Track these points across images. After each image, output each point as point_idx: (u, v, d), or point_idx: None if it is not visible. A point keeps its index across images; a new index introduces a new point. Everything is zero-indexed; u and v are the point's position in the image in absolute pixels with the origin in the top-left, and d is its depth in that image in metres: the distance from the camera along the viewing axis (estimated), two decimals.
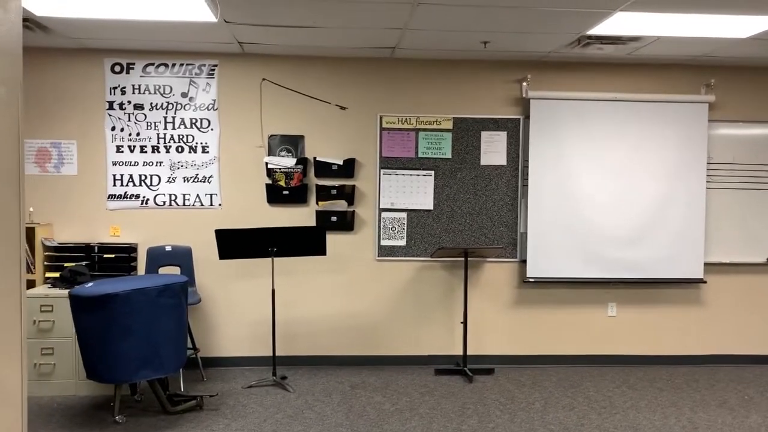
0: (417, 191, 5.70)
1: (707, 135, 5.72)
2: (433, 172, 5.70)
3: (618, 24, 4.46)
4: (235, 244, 5.01)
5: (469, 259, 5.65)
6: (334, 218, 5.60)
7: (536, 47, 5.19)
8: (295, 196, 5.56)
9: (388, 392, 4.99)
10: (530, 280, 5.69)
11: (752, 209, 5.82)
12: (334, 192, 5.59)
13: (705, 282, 5.79)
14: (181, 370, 4.81)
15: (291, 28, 4.68)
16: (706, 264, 5.76)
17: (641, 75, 5.77)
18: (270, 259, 5.09)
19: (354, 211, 5.66)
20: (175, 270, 5.34)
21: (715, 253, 5.81)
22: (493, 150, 5.74)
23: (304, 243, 5.13)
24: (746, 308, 5.88)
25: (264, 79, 5.56)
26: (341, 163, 5.59)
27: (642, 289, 5.84)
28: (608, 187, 5.71)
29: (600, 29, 4.60)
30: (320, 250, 5.16)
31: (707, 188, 5.76)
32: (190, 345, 5.28)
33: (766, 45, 5.00)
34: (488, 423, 4.34)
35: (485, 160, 5.73)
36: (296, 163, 5.54)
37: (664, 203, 5.72)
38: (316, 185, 5.59)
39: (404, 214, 5.69)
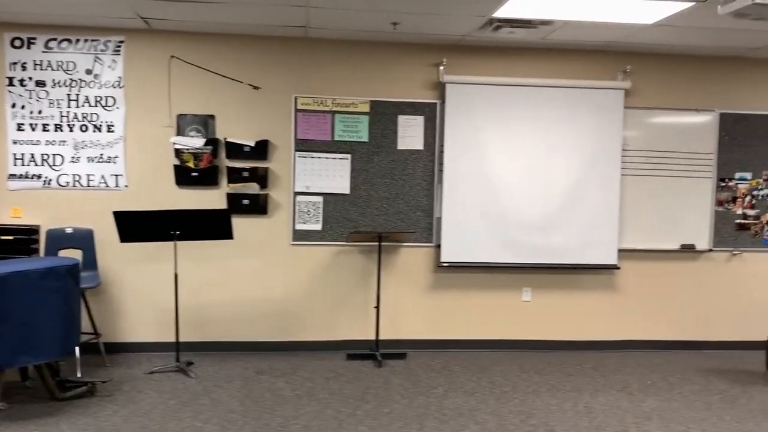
0: (333, 175, 5.61)
1: (623, 121, 5.74)
2: (349, 156, 5.61)
3: (521, 6, 4.42)
4: (136, 226, 4.86)
5: (384, 243, 5.60)
6: (246, 201, 5.49)
7: (449, 30, 5.12)
8: (205, 178, 5.42)
9: (293, 378, 4.92)
10: (445, 264, 5.66)
11: (666, 196, 5.87)
12: (246, 174, 5.47)
13: (619, 268, 5.83)
14: (77, 355, 4.67)
15: (192, 3, 4.53)
16: (620, 250, 5.81)
17: (559, 61, 5.76)
18: (175, 242, 4.95)
19: (267, 194, 5.55)
20: (77, 253, 5.17)
21: (629, 239, 5.85)
22: (410, 134, 5.67)
23: (209, 226, 5.00)
24: (659, 295, 5.95)
25: (173, 57, 5.39)
26: (253, 144, 5.46)
27: (557, 274, 5.86)
28: (524, 172, 5.69)
29: (504, 12, 4.56)
30: (226, 233, 5.04)
31: (622, 175, 5.79)
32: (90, 330, 5.13)
33: (675, 32, 5.02)
34: (384, 408, 4.31)
35: (402, 144, 5.66)
36: (205, 144, 5.40)
37: (579, 189, 5.73)
38: (227, 167, 5.46)
39: (320, 198, 5.60)
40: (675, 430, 4.03)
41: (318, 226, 5.60)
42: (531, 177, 5.69)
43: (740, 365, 5.53)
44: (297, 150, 5.54)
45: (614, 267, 5.81)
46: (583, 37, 5.30)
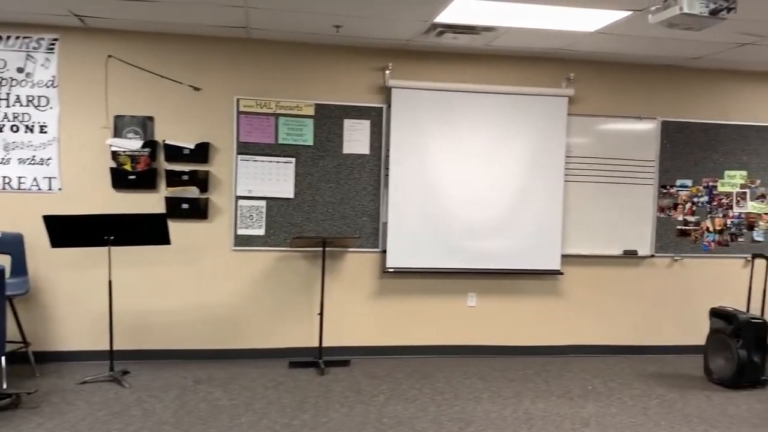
0: (277, 178, 5.51)
1: (566, 128, 5.78)
2: (293, 159, 5.52)
3: (461, 12, 4.40)
4: (68, 231, 4.68)
5: (329, 249, 5.53)
6: (185, 205, 5.34)
7: (393, 34, 5.08)
8: (143, 181, 5.27)
9: (231, 387, 4.80)
10: (390, 270, 5.61)
11: (609, 203, 5.93)
12: (185, 177, 5.33)
13: (562, 273, 5.87)
14: (2, 365, 4.47)
15: (128, 1, 4.38)
16: (563, 256, 5.84)
17: (504, 67, 5.77)
18: (109, 248, 4.79)
19: (208, 198, 5.42)
20: (5, 258, 4.96)
21: (572, 245, 5.89)
22: (356, 138, 5.61)
23: (145, 231, 4.85)
24: (602, 300, 6.01)
25: (110, 56, 5.22)
26: (193, 147, 5.33)
27: (502, 279, 5.87)
28: (470, 178, 5.69)
29: (446, 17, 4.54)
30: (163, 239, 4.90)
31: (566, 181, 5.84)
32: (19, 338, 4.93)
33: (616, 40, 5.07)
34: (322, 417, 4.23)
35: (348, 148, 5.60)
36: (143, 146, 5.24)
37: (524, 195, 5.75)
38: (166, 170, 5.31)
39: (263, 202, 5.49)
40: None
41: (261, 231, 5.49)
42: (477, 182, 5.68)
43: (680, 369, 5.62)
44: (239, 153, 5.43)
45: (558, 272, 5.84)
46: (526, 44, 5.32)
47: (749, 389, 5.08)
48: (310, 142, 5.53)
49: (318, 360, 5.32)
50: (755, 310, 5.80)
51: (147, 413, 4.22)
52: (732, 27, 4.56)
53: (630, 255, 5.97)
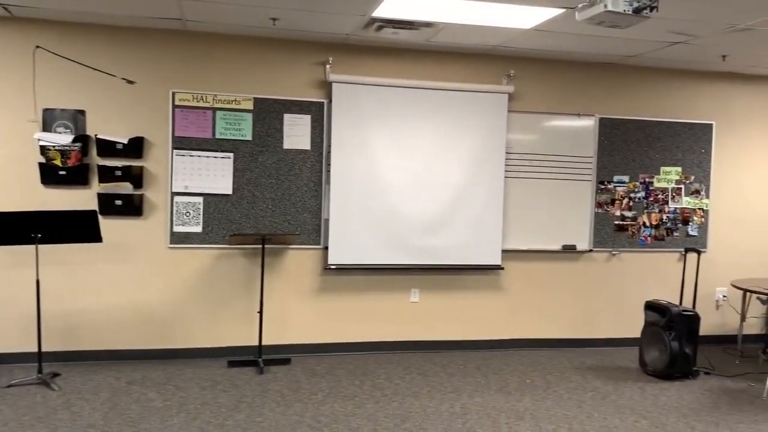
0: (214, 174, 5.40)
1: (507, 125, 5.83)
2: (232, 155, 5.42)
3: (398, 7, 4.38)
4: None
5: (269, 246, 5.45)
6: (119, 202, 5.19)
7: (332, 29, 5.03)
8: (74, 177, 5.09)
9: (166, 388, 4.68)
10: (332, 267, 5.57)
11: (549, 198, 6.01)
12: (119, 173, 5.17)
13: (503, 268, 5.92)
14: None
15: None
16: (504, 251, 5.90)
17: (446, 63, 5.78)
18: (36, 246, 4.61)
19: (143, 194, 5.27)
20: None
21: (513, 240, 5.95)
22: (297, 133, 5.54)
23: (75, 228, 4.69)
24: (541, 294, 6.09)
25: (38, 47, 5.02)
26: (127, 141, 5.18)
27: (444, 275, 5.89)
28: (412, 174, 5.68)
29: (383, 11, 4.51)
30: (94, 236, 4.74)
31: (507, 177, 5.89)
32: None
33: (553, 38, 5.13)
34: (257, 417, 4.16)
35: (288, 143, 5.52)
36: (74, 141, 5.06)
37: (466, 192, 5.78)
38: (99, 165, 5.15)
39: (200, 199, 5.38)
40: (544, 429, 4.10)
41: (198, 228, 5.37)
42: (419, 178, 5.68)
43: (616, 362, 5.74)
44: (175, 148, 5.30)
45: (499, 267, 5.89)
46: (466, 41, 5.33)
47: (681, 380, 5.22)
48: (249, 137, 5.44)
49: (257, 359, 5.25)
50: (688, 303, 5.97)
51: (75, 416, 4.08)
52: (663, 26, 4.66)
53: (569, 250, 6.07)
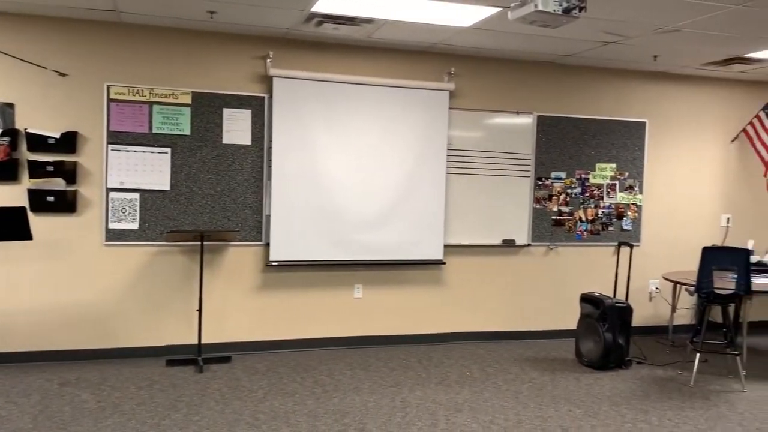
0: (151, 170, 5.29)
1: (448, 121, 5.90)
2: (169, 150, 5.32)
3: (337, 2, 4.38)
4: None
5: (208, 243, 5.38)
6: (51, 198, 5.03)
7: (272, 23, 4.98)
8: (3, 172, 4.90)
9: (101, 388, 4.57)
10: (274, 263, 5.53)
11: (489, 194, 6.11)
12: (50, 169, 5.01)
13: (445, 263, 6.00)
14: None
15: None
16: (446, 246, 5.97)
17: (388, 60, 5.81)
18: None
19: (76, 190, 5.12)
20: None
21: (455, 235, 6.03)
22: (237, 128, 5.47)
23: (3, 226, 4.52)
24: (482, 288, 6.20)
25: None
26: (59, 136, 5.02)
27: (387, 270, 5.92)
28: (355, 170, 5.69)
29: (322, 6, 4.50)
30: (23, 233, 4.58)
31: (448, 173, 5.96)
32: None
33: (492, 36, 5.21)
34: (194, 416, 4.10)
35: (228, 138, 5.45)
36: (2, 135, 4.87)
37: (408, 188, 5.82)
38: (29, 161, 4.97)
39: (137, 195, 5.26)
40: (481, 420, 4.18)
41: (135, 225, 5.25)
42: (361, 174, 5.70)
43: (554, 353, 5.89)
44: (110, 143, 5.16)
45: (441, 262, 5.96)
46: (408, 38, 5.37)
47: (615, 370, 5.40)
48: (188, 132, 5.34)
49: (197, 357, 5.17)
50: (622, 296, 6.17)
51: (2, 421, 3.94)
52: (595, 26, 4.79)
53: (508, 244, 6.19)
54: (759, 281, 5.62)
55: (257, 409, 4.25)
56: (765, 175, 6.48)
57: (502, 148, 6.12)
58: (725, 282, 5.14)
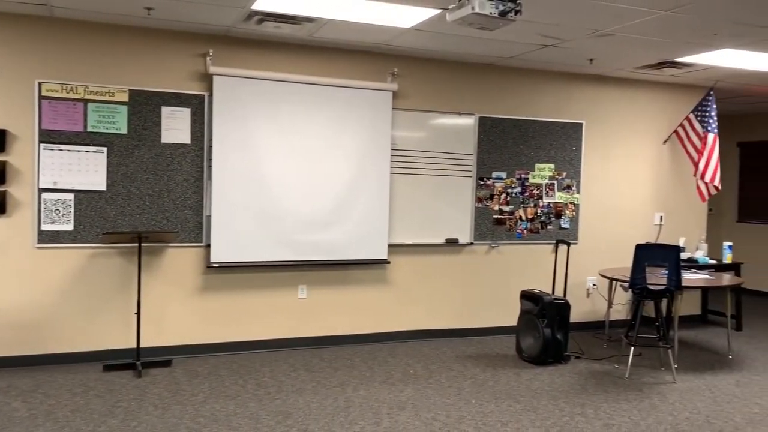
0: (86, 169, 5.13)
1: (391, 122, 5.93)
2: (105, 149, 5.17)
3: (278, 1, 4.34)
4: None
5: (146, 244, 5.26)
6: None
7: (212, 20, 4.91)
8: None
9: (34, 396, 4.40)
10: (215, 265, 5.44)
11: (432, 193, 6.18)
12: None
13: (389, 262, 6.03)
14: None
15: None
16: (390, 245, 6.00)
17: (332, 59, 5.80)
18: None
19: (6, 191, 4.92)
20: None
21: (399, 234, 6.07)
22: (176, 127, 5.36)
23: None
24: (426, 286, 6.26)
25: None
26: None
27: (332, 270, 5.91)
28: (298, 169, 5.65)
29: (263, 5, 4.46)
30: None
31: (392, 173, 5.99)
32: None
33: (434, 37, 5.27)
34: (132, 421, 4.00)
35: (167, 137, 5.34)
36: None
37: (352, 187, 5.83)
38: None
39: (71, 195, 5.09)
40: (423, 417, 4.22)
41: (69, 227, 5.09)
42: (305, 174, 5.67)
43: (496, 350, 5.99)
44: (42, 142, 4.99)
45: (385, 261, 5.99)
46: (351, 38, 5.37)
47: (554, 365, 5.53)
48: (125, 131, 5.21)
49: (135, 362, 5.04)
50: (560, 292, 6.33)
51: None
52: (533, 29, 4.91)
53: (452, 243, 6.27)
54: (689, 277, 5.87)
55: (198, 413, 4.18)
56: (694, 175, 6.76)
57: (444, 149, 6.19)
58: (658, 278, 5.34)
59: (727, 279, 6.02)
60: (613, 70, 6.50)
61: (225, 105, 5.39)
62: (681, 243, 6.95)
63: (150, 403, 4.34)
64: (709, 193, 6.81)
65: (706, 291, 7.55)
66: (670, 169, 7.21)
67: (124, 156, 5.21)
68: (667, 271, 5.21)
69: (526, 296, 5.72)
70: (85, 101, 5.08)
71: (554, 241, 6.64)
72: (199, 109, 5.40)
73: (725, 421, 4.32)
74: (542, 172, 6.59)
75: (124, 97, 5.19)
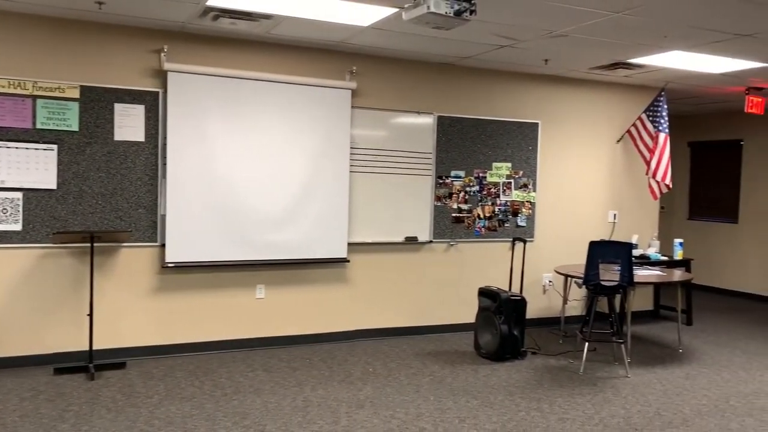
0: (35, 168, 4.98)
1: (351, 120, 5.92)
2: (56, 146, 5.03)
3: None
4: None
5: (99, 244, 5.14)
6: None
7: (166, 16, 4.82)
8: None
9: None
10: (171, 265, 5.35)
11: (392, 192, 6.19)
12: None
13: (348, 261, 6.02)
14: None
15: None
16: (350, 244, 5.99)
17: (291, 57, 5.76)
18: None
19: None
20: None
21: (358, 233, 6.07)
22: (130, 124, 5.26)
23: None
24: (386, 285, 6.27)
25: None
26: None
27: (290, 269, 5.87)
28: (257, 168, 5.60)
29: (219, 1, 4.40)
30: None
31: (351, 172, 5.98)
32: None
33: (392, 36, 5.28)
34: (84, 425, 3.91)
35: (120, 135, 5.22)
36: None
37: (311, 186, 5.80)
38: None
39: (19, 194, 4.94)
40: (382, 415, 4.23)
41: (17, 227, 4.94)
42: (263, 172, 5.62)
43: (455, 346, 6.04)
44: None
45: (344, 260, 5.98)
46: (309, 35, 5.34)
47: (511, 361, 5.61)
48: (76, 128, 5.08)
49: (88, 364, 4.92)
50: (517, 289, 6.42)
51: None
52: (489, 29, 4.96)
53: (411, 241, 6.30)
54: (641, 273, 6.02)
55: (152, 416, 4.10)
56: (647, 174, 6.93)
57: (404, 147, 6.21)
58: (611, 274, 5.46)
59: (677, 275, 6.20)
60: (568, 71, 6.62)
61: (180, 102, 5.30)
62: (634, 240, 7.12)
63: (103, 406, 4.25)
64: (661, 192, 6.99)
65: (658, 287, 7.76)
66: (624, 168, 7.38)
67: (76, 154, 5.08)
68: (619, 268, 5.33)
69: (484, 293, 5.78)
70: (34, 97, 4.94)
71: (511, 239, 6.73)
72: (154, 106, 5.30)
73: (675, 413, 4.44)
74: (499, 171, 6.67)
75: (75, 94, 5.06)
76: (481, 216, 6.61)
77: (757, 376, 5.34)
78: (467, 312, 6.54)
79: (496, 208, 6.67)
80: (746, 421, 4.30)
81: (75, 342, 5.17)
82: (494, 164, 6.64)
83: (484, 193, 6.60)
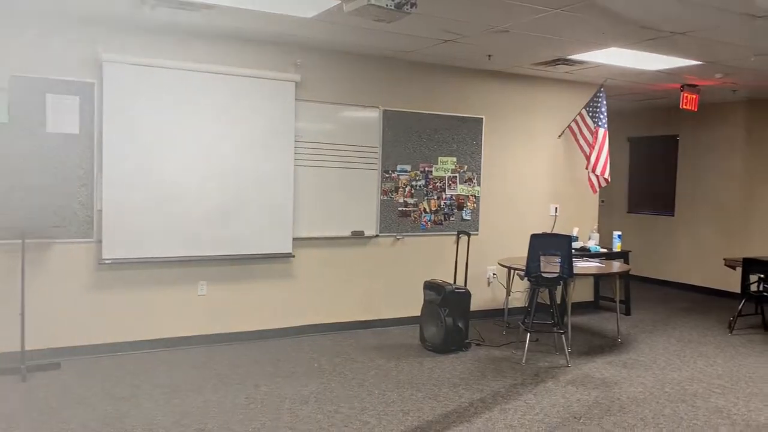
0: None
1: (295, 113, 5.85)
2: None
3: None
4: None
5: (30, 240, 4.94)
6: None
7: (102, 5, 4.65)
8: None
9: None
10: (108, 261, 5.19)
11: (338, 186, 6.16)
12: None
13: (294, 256, 5.96)
14: None
15: None
16: (295, 239, 5.94)
17: (234, 49, 5.65)
18: None
19: None
20: None
21: (304, 227, 6.01)
22: (63, 116, 5.06)
23: None
24: (332, 279, 6.24)
25: None
26: None
27: (234, 265, 5.78)
28: (198, 162, 5.48)
29: None
30: None
31: (297, 165, 5.92)
32: None
33: (335, 29, 5.23)
34: (15, 429, 3.75)
35: (53, 127, 5.03)
36: None
37: (255, 179, 5.71)
38: None
39: None
40: (326, 410, 4.21)
41: None
42: (205, 166, 5.51)
43: (400, 340, 6.06)
44: None
45: (289, 255, 5.92)
46: (252, 26, 5.24)
47: (455, 353, 5.66)
48: (5, 119, 4.87)
49: (20, 366, 4.73)
50: (461, 282, 6.48)
51: None
52: (432, 23, 4.97)
53: (357, 235, 6.28)
54: (581, 265, 6.16)
55: (88, 417, 3.97)
56: (586, 168, 7.09)
57: (350, 141, 6.19)
58: (552, 266, 5.56)
59: (616, 266, 6.37)
60: (511, 67, 6.71)
61: (117, 94, 5.14)
62: (574, 233, 7.28)
63: (35, 408, 4.09)
64: (600, 185, 7.17)
65: (597, 278, 7.96)
66: (565, 163, 7.54)
67: (5, 146, 4.86)
68: (560, 260, 5.44)
69: (429, 286, 5.82)
70: None
71: (456, 233, 6.79)
72: (89, 97, 5.12)
73: (612, 401, 4.57)
74: (445, 165, 6.72)
75: (4, 84, 4.84)
76: (427, 210, 6.64)
77: (691, 363, 5.54)
78: (413, 305, 6.56)
79: (442, 202, 6.72)
80: (680, 407, 4.46)
81: (5, 343, 4.96)
82: (440, 158, 6.68)
83: (430, 187, 6.64)
